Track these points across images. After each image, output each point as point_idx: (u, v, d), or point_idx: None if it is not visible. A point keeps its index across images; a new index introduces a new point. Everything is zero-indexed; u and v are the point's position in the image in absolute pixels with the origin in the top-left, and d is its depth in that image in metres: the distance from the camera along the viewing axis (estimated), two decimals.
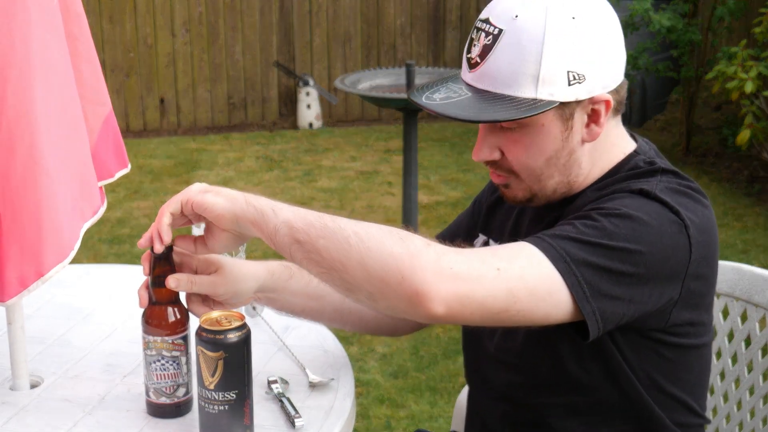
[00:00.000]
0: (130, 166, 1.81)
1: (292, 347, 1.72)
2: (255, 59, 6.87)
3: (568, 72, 1.34)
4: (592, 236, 1.29)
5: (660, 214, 1.32)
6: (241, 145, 6.46)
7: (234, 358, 1.37)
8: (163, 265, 1.44)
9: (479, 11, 7.04)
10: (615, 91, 1.40)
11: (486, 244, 1.59)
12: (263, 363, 1.67)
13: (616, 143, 1.46)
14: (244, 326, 1.39)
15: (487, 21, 1.37)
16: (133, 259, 4.55)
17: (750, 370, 1.81)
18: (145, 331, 1.47)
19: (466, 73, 1.40)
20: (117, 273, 2.10)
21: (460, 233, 1.66)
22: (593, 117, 1.39)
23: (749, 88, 4.66)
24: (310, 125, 6.86)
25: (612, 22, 1.39)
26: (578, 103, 1.37)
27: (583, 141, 1.41)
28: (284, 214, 1.31)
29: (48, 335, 1.78)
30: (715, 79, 5.04)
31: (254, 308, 1.83)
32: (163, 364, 1.46)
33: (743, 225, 4.94)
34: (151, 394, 1.49)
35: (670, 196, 1.35)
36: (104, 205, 1.69)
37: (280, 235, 1.31)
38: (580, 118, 1.39)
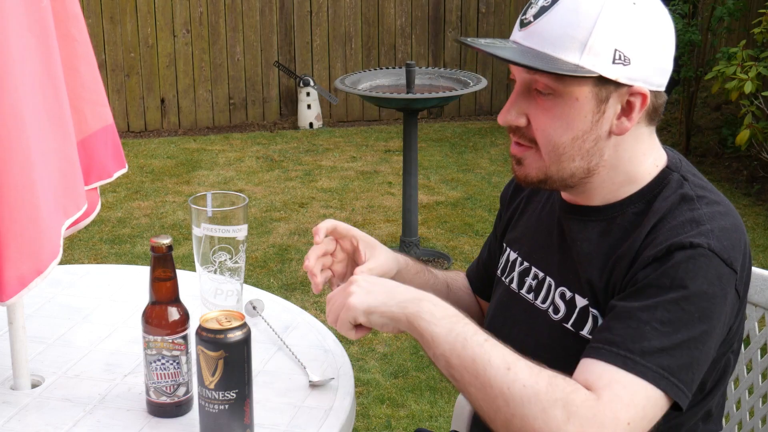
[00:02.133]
0: (127, 166, 1.82)
1: (292, 347, 1.72)
2: (255, 59, 6.88)
3: (615, 50, 1.34)
4: (672, 334, 1.30)
5: (720, 275, 1.33)
6: (242, 145, 6.46)
7: (234, 358, 1.38)
8: (163, 265, 1.45)
9: (479, 11, 7.08)
10: (654, 94, 1.39)
11: (509, 257, 1.61)
12: (263, 363, 1.67)
13: (647, 153, 1.44)
14: (244, 326, 1.40)
15: None
16: (133, 259, 4.56)
17: (749, 369, 1.81)
18: (146, 331, 1.47)
19: (515, 33, 1.41)
20: (117, 273, 2.10)
21: (482, 262, 1.75)
22: (627, 110, 1.38)
23: (749, 88, 4.66)
24: (311, 125, 6.86)
25: (668, 28, 1.40)
26: (616, 87, 1.36)
27: (611, 132, 1.39)
28: (441, 348, 1.33)
29: (48, 335, 1.79)
30: (715, 79, 5.05)
31: (254, 308, 1.83)
32: (163, 364, 1.46)
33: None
34: (151, 393, 1.50)
35: (722, 240, 1.34)
36: (98, 206, 1.69)
37: (436, 360, 1.36)
38: (614, 105, 1.37)
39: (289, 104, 7.00)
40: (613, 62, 1.34)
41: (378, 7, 6.97)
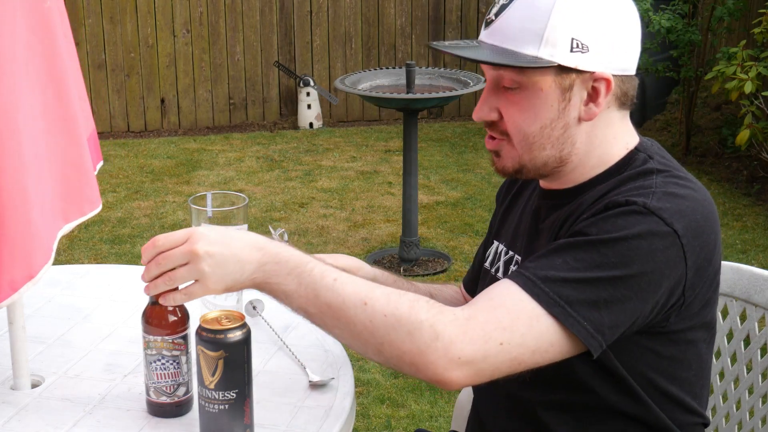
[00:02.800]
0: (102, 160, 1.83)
1: (292, 347, 1.72)
2: (255, 59, 6.88)
3: (572, 39, 1.38)
4: (582, 270, 1.31)
5: (652, 230, 1.33)
6: (242, 145, 6.46)
7: (234, 358, 1.38)
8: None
9: (479, 11, 7.08)
10: (620, 78, 1.42)
11: (497, 249, 1.63)
12: (263, 363, 1.67)
13: (619, 137, 1.47)
14: (244, 326, 1.40)
15: None
16: (133, 259, 4.56)
17: (749, 369, 1.81)
18: (145, 331, 1.47)
19: (482, 33, 1.46)
20: (117, 273, 2.10)
21: (476, 267, 1.75)
22: (592, 95, 1.41)
23: (749, 88, 4.66)
24: (311, 125, 6.86)
25: (628, 12, 1.43)
26: (579, 75, 1.40)
27: (580, 119, 1.42)
28: (296, 302, 1.33)
29: (48, 335, 1.79)
30: (715, 79, 5.05)
31: (254, 308, 1.83)
32: (163, 364, 1.46)
33: (743, 225, 4.94)
34: (151, 393, 1.49)
35: (664, 202, 1.35)
36: (99, 205, 1.69)
37: (296, 312, 1.36)
38: (579, 92, 1.41)
39: (289, 104, 7.00)
40: (571, 51, 1.38)
41: (378, 7, 6.97)
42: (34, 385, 1.61)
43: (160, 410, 1.50)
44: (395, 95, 4.28)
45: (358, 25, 6.98)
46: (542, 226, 1.52)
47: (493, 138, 1.48)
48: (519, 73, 1.40)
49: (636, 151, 1.47)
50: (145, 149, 6.36)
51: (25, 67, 1.49)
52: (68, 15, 1.68)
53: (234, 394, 1.39)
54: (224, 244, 1.32)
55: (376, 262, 4.46)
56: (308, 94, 6.82)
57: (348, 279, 1.32)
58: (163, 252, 1.33)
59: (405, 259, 4.45)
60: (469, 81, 4.44)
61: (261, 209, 5.20)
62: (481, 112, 1.47)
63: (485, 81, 1.48)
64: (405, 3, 6.99)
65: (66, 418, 1.51)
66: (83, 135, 1.63)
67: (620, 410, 1.44)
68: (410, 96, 4.23)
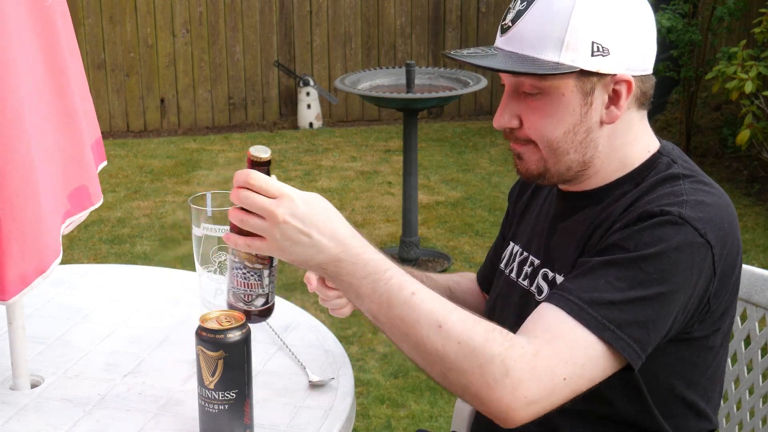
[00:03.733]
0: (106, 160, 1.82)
1: (292, 347, 1.72)
2: (255, 59, 6.88)
3: (593, 42, 1.37)
4: (626, 290, 1.30)
5: (689, 242, 1.32)
6: (242, 145, 6.46)
7: (234, 358, 1.38)
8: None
9: (479, 11, 7.08)
10: (639, 79, 1.42)
11: (512, 250, 1.63)
12: (263, 363, 1.67)
13: (639, 138, 1.47)
14: (244, 326, 1.39)
15: None
16: (133, 258, 4.56)
17: (749, 369, 1.81)
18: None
19: (498, 39, 1.44)
20: (117, 273, 2.10)
21: (491, 263, 1.75)
22: (614, 98, 1.41)
23: (749, 88, 4.66)
24: (311, 125, 6.86)
25: (645, 12, 1.42)
26: (600, 78, 1.39)
27: (602, 122, 1.42)
28: (366, 306, 1.30)
29: (48, 335, 1.78)
30: (715, 79, 5.05)
31: None
32: (244, 273, 1.36)
33: (743, 225, 4.94)
34: (230, 296, 1.39)
35: (697, 211, 1.35)
36: (100, 200, 1.69)
37: (364, 314, 1.33)
38: (600, 96, 1.40)
39: (289, 104, 7.00)
40: (592, 55, 1.37)
41: (378, 6, 6.97)
42: (33, 385, 1.61)
43: (237, 313, 1.41)
44: (395, 95, 4.28)
45: (358, 24, 6.98)
46: (561, 227, 1.51)
47: (515, 143, 1.48)
48: (540, 79, 1.39)
49: (659, 154, 1.46)
50: (145, 149, 6.36)
51: (29, 65, 1.49)
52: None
53: (234, 394, 1.38)
54: (308, 222, 1.26)
55: None
56: (308, 94, 6.82)
57: (426, 295, 1.28)
58: (249, 189, 1.27)
59: (405, 259, 4.45)
60: (469, 81, 4.44)
61: None
62: (502, 120, 1.46)
63: (502, 85, 1.47)
64: (405, 3, 6.99)
65: (65, 418, 1.51)
66: (84, 131, 1.63)
67: (633, 422, 1.44)
68: (410, 96, 4.23)
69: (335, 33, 6.96)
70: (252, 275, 1.36)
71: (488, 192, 5.48)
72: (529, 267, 1.56)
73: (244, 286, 1.37)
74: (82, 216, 1.64)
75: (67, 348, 1.74)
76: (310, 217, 1.27)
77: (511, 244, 1.66)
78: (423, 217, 5.04)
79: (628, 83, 1.40)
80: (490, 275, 1.76)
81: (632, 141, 1.46)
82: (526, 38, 1.38)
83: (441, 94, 4.25)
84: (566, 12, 1.36)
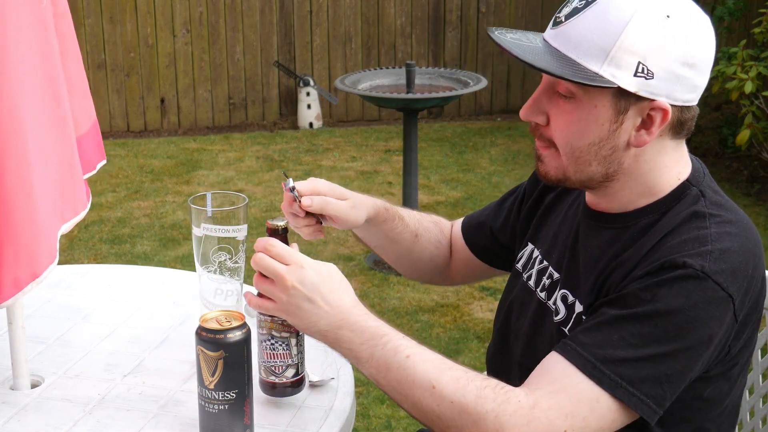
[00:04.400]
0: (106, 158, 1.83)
1: None
2: (255, 59, 6.88)
3: (639, 63, 1.31)
4: (641, 347, 1.29)
5: (709, 298, 1.29)
6: (242, 145, 6.46)
7: (234, 358, 1.38)
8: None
9: (479, 11, 7.08)
10: (679, 109, 1.36)
11: (531, 254, 1.61)
12: (258, 368, 1.67)
13: (670, 166, 1.41)
14: (244, 326, 1.39)
15: None
16: (133, 258, 4.56)
17: (750, 369, 1.81)
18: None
19: (548, 30, 1.40)
20: (117, 273, 2.10)
21: (491, 224, 1.76)
22: (647, 123, 1.35)
23: (749, 88, 4.66)
24: (311, 125, 6.86)
25: (705, 42, 1.35)
26: (637, 100, 1.33)
27: (629, 144, 1.37)
28: (366, 371, 1.37)
29: (48, 335, 1.78)
30: (715, 79, 5.05)
31: None
32: (272, 344, 1.45)
33: None
34: (261, 371, 1.49)
35: (720, 263, 1.31)
36: (89, 204, 1.69)
37: (363, 372, 1.39)
38: (633, 117, 1.35)
39: (289, 104, 7.00)
40: (635, 75, 1.31)
41: (378, 6, 6.97)
42: (33, 385, 1.61)
43: (269, 389, 1.50)
44: (395, 95, 4.28)
45: (358, 24, 6.98)
46: (580, 247, 1.47)
47: (539, 142, 1.44)
48: (576, 85, 1.34)
49: (688, 184, 1.41)
50: (145, 149, 6.36)
51: (26, 67, 1.49)
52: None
53: (234, 394, 1.38)
54: (313, 290, 1.36)
55: (375, 262, 4.46)
56: (308, 94, 6.82)
57: (420, 357, 1.33)
58: (266, 254, 1.37)
59: None
60: (469, 81, 4.44)
61: (261, 209, 5.20)
62: (530, 112, 1.41)
63: (540, 78, 1.42)
64: (405, 3, 6.98)
65: (65, 418, 1.51)
66: (73, 135, 1.63)
67: None
68: (410, 96, 4.23)
69: (335, 33, 6.96)
70: (279, 345, 1.45)
71: (488, 192, 5.48)
72: (548, 279, 1.54)
73: (273, 357, 1.46)
74: (76, 219, 1.64)
75: (67, 348, 1.74)
76: (316, 285, 1.36)
77: (530, 245, 1.63)
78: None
79: (665, 112, 1.33)
80: (483, 240, 1.77)
81: (662, 168, 1.40)
82: (574, 40, 1.33)
83: (441, 94, 4.25)
84: (620, 25, 1.30)
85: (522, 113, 1.43)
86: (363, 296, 4.12)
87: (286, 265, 1.36)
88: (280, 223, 1.46)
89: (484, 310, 4.01)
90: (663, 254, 1.33)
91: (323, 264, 1.40)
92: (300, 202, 1.54)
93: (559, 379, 1.30)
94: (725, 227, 1.36)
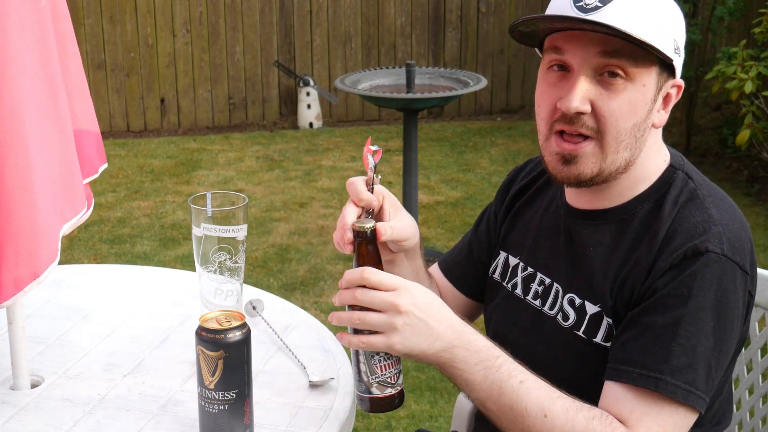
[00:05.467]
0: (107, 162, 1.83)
1: (292, 347, 1.72)
2: (255, 59, 6.88)
3: (674, 39, 1.37)
4: (696, 348, 1.31)
5: (734, 279, 1.34)
6: (242, 145, 6.46)
7: (234, 358, 1.38)
8: (372, 254, 1.35)
9: (479, 11, 7.08)
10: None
11: (507, 261, 1.59)
12: (263, 363, 1.67)
13: (658, 151, 1.45)
14: (244, 326, 1.39)
15: None
16: (133, 259, 4.56)
17: (749, 370, 1.81)
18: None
19: (578, 15, 1.33)
20: (117, 273, 2.10)
21: (478, 255, 1.69)
22: (665, 101, 1.40)
23: (749, 88, 4.66)
24: (311, 125, 6.86)
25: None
26: (668, 77, 1.38)
27: (653, 125, 1.40)
28: (476, 393, 1.33)
29: (48, 335, 1.78)
30: (715, 79, 5.05)
31: (254, 308, 1.83)
32: (382, 356, 1.35)
33: None
34: (374, 389, 1.36)
35: (734, 241, 1.35)
36: (91, 207, 1.69)
37: (472, 400, 1.36)
38: (661, 96, 1.39)
39: (289, 104, 7.00)
40: (675, 51, 1.36)
41: (378, 6, 6.97)
42: (33, 385, 1.61)
43: (387, 404, 1.38)
44: (395, 95, 4.28)
45: (358, 24, 6.98)
46: (579, 248, 1.47)
47: (572, 139, 1.38)
48: (633, 63, 1.33)
49: (672, 168, 1.44)
50: (145, 149, 6.36)
51: (26, 68, 1.49)
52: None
53: (234, 394, 1.38)
54: (427, 311, 1.29)
55: None
56: (308, 93, 6.82)
57: (533, 384, 1.32)
58: (366, 287, 1.28)
59: None
60: (469, 81, 4.44)
61: (261, 209, 5.20)
62: (576, 101, 1.34)
63: (552, 68, 1.38)
64: (405, 3, 6.98)
65: (65, 418, 1.51)
66: (71, 135, 1.63)
67: None
68: (410, 96, 4.23)
69: (335, 33, 6.96)
70: (388, 354, 1.34)
71: (488, 192, 5.48)
72: (539, 286, 1.53)
73: (389, 368, 1.36)
74: (79, 219, 1.64)
75: (67, 348, 1.74)
76: (428, 306, 1.30)
77: (502, 253, 1.62)
78: (423, 217, 5.04)
79: (679, 88, 1.39)
80: (463, 275, 1.71)
81: (656, 150, 1.44)
82: (622, 16, 1.31)
83: (441, 94, 4.25)
84: (657, 5, 1.35)
85: (565, 105, 1.35)
86: None
87: (393, 290, 1.28)
88: (368, 225, 1.34)
89: None
90: (680, 242, 1.34)
91: (418, 285, 1.32)
92: (372, 188, 1.42)
93: (640, 406, 1.31)
94: (721, 205, 1.40)
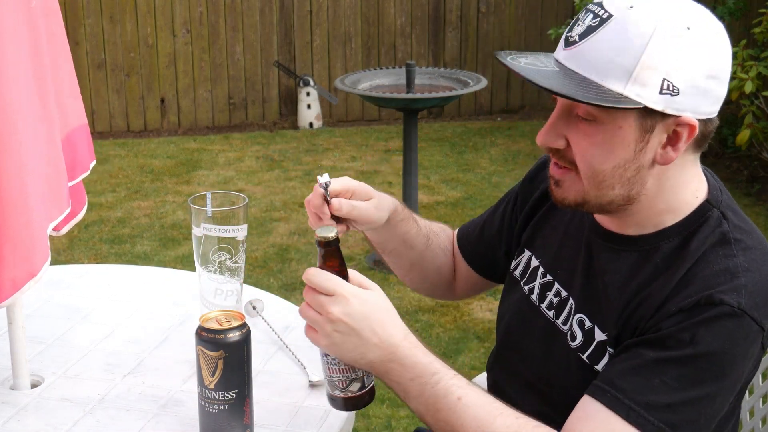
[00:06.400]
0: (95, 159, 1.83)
1: (292, 347, 1.72)
2: (255, 59, 6.88)
3: (664, 80, 1.26)
4: (683, 390, 1.26)
5: (747, 335, 1.28)
6: (242, 145, 6.46)
7: (234, 358, 1.38)
8: (331, 258, 1.36)
9: (479, 11, 7.08)
10: (703, 123, 1.31)
11: (529, 262, 1.57)
12: (263, 363, 1.67)
13: (689, 181, 1.37)
14: (244, 326, 1.39)
15: (600, 4, 1.30)
16: (133, 259, 4.55)
17: None
18: None
19: (559, 51, 1.33)
20: (117, 273, 2.10)
21: (486, 233, 1.70)
22: (672, 139, 1.31)
23: (749, 88, 4.65)
24: (311, 125, 6.86)
25: (724, 52, 1.31)
26: (663, 117, 1.28)
27: (654, 162, 1.32)
28: (413, 407, 1.32)
29: (48, 335, 1.78)
30: None
31: (254, 308, 1.83)
32: (334, 359, 1.37)
33: None
34: (327, 386, 1.41)
35: (755, 296, 1.28)
36: (86, 205, 1.69)
37: (410, 406, 1.35)
38: (659, 134, 1.30)
39: (289, 104, 7.00)
40: (660, 92, 1.27)
41: (378, 6, 6.97)
42: (33, 385, 1.61)
43: (334, 403, 1.41)
44: (395, 95, 4.28)
45: (358, 24, 6.98)
46: (598, 271, 1.42)
47: (558, 166, 1.38)
48: (600, 108, 1.28)
49: (708, 205, 1.37)
50: (145, 149, 6.36)
51: (19, 69, 1.49)
52: (68, 15, 1.69)
53: (234, 394, 1.38)
54: (361, 322, 1.29)
55: (375, 262, 4.46)
56: (308, 93, 6.82)
57: (471, 400, 1.30)
58: (307, 284, 1.31)
59: None
60: (469, 81, 4.44)
61: (261, 209, 5.20)
62: (547, 138, 1.35)
63: (553, 100, 1.37)
64: (405, 3, 6.98)
65: (65, 418, 1.51)
66: (58, 135, 1.63)
67: None
68: (410, 96, 4.23)
69: (335, 33, 6.96)
70: (339, 361, 1.36)
71: (488, 192, 5.48)
72: (555, 297, 1.49)
73: (338, 372, 1.37)
74: (77, 218, 1.65)
75: (67, 348, 1.74)
76: (362, 316, 1.30)
77: (527, 252, 1.58)
78: (423, 217, 5.03)
79: (692, 127, 1.29)
80: (482, 253, 1.72)
81: (682, 185, 1.36)
82: (592, 60, 1.27)
83: (441, 94, 4.25)
84: (642, 42, 1.25)
85: (539, 139, 1.36)
86: None
87: (330, 296, 1.30)
88: (331, 234, 1.35)
89: (484, 310, 4.01)
90: (696, 289, 1.29)
91: (370, 291, 1.33)
92: (330, 203, 1.47)
93: (601, 428, 1.27)
94: (751, 254, 1.33)
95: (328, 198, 1.46)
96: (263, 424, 1.48)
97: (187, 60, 6.78)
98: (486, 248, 1.71)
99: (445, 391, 1.29)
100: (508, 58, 1.34)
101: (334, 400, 1.41)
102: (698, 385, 1.27)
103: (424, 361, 1.31)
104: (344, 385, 1.38)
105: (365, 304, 1.31)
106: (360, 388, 1.38)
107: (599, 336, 1.39)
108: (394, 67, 4.78)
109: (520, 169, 5.91)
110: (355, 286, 1.32)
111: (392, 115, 7.00)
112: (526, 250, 1.59)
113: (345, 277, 1.34)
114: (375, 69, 4.77)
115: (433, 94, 4.23)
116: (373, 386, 1.40)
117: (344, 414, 1.52)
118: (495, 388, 1.59)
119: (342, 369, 1.37)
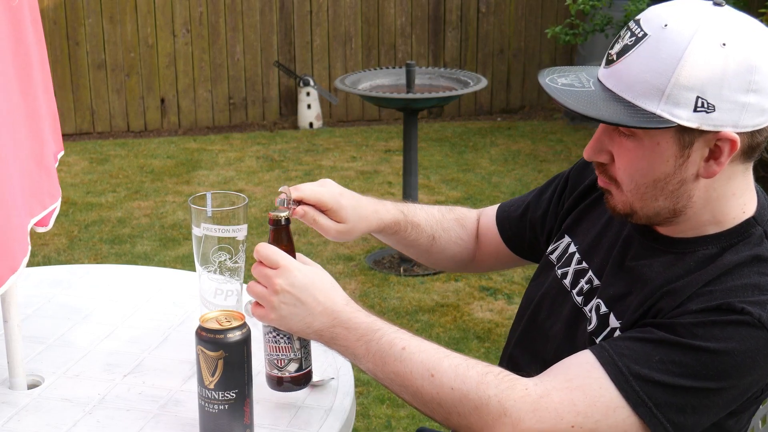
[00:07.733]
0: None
1: None
2: (255, 59, 6.88)
3: (698, 98, 1.26)
4: (678, 376, 1.27)
5: (759, 347, 1.27)
6: (242, 145, 6.46)
7: (234, 358, 1.38)
8: (279, 238, 1.46)
9: (479, 11, 7.08)
10: (749, 135, 1.30)
11: (568, 248, 1.58)
12: (263, 363, 1.67)
13: (738, 194, 1.37)
14: (244, 326, 1.39)
15: (637, 22, 1.31)
16: (133, 259, 4.55)
17: None
18: None
19: (601, 69, 1.36)
20: (117, 273, 2.10)
21: (531, 215, 1.73)
22: (714, 153, 1.30)
23: None
24: (311, 125, 6.86)
25: (766, 63, 1.28)
26: (701, 133, 1.28)
27: (698, 176, 1.32)
28: (363, 366, 1.38)
29: (48, 335, 1.78)
30: None
31: None
32: (274, 337, 1.46)
33: None
34: (266, 365, 1.50)
35: None
36: (59, 199, 1.70)
37: (364, 371, 1.40)
38: (699, 149, 1.30)
39: (289, 104, 7.00)
40: (695, 110, 1.26)
41: (378, 6, 6.97)
42: (33, 386, 1.61)
43: (272, 383, 1.50)
44: (395, 95, 4.28)
45: (358, 24, 6.98)
46: (631, 265, 1.43)
47: (603, 180, 1.41)
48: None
49: (753, 222, 1.37)
50: (145, 149, 6.36)
51: (2, 63, 1.49)
52: (68, 15, 1.69)
53: (234, 394, 1.38)
54: (304, 291, 1.38)
55: (375, 262, 4.46)
56: (308, 94, 6.82)
57: (416, 348, 1.35)
58: (256, 257, 1.40)
59: (405, 259, 4.45)
60: (469, 81, 4.44)
61: (261, 209, 5.20)
62: (592, 152, 1.38)
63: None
64: (405, 3, 6.99)
65: (65, 418, 1.51)
66: (45, 128, 1.63)
67: None
68: (410, 96, 4.23)
69: (335, 33, 6.96)
70: (282, 338, 1.46)
71: (488, 192, 5.48)
72: (587, 284, 1.50)
73: (276, 351, 1.47)
74: (49, 212, 1.65)
75: (67, 348, 1.74)
76: (306, 286, 1.38)
77: (567, 237, 1.60)
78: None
79: (733, 141, 1.28)
80: (511, 233, 1.76)
81: (730, 196, 1.36)
82: (627, 80, 1.29)
83: (441, 94, 4.25)
84: (673, 61, 1.26)
85: (586, 154, 1.39)
86: (363, 296, 4.12)
87: (275, 268, 1.38)
88: (282, 215, 1.47)
89: (484, 310, 4.01)
90: (721, 295, 1.30)
91: (310, 266, 1.42)
92: (294, 210, 1.58)
93: (578, 377, 1.29)
94: None
95: (293, 208, 1.58)
96: (263, 424, 1.48)
97: (187, 60, 6.78)
98: (527, 230, 1.75)
99: (389, 344, 1.35)
100: (546, 79, 1.36)
101: (271, 380, 1.49)
102: (695, 376, 1.27)
103: (366, 320, 1.38)
104: (282, 364, 1.47)
105: (308, 276, 1.39)
106: (297, 369, 1.47)
107: (613, 323, 1.41)
108: (394, 67, 4.79)
109: (520, 169, 5.92)
110: (298, 261, 1.41)
111: (392, 115, 7.01)
112: (566, 235, 1.61)
113: (292, 255, 1.43)
114: (375, 69, 4.77)
115: (433, 94, 4.23)
116: (310, 370, 1.49)
117: (344, 414, 1.52)
118: (511, 362, 1.61)
119: (281, 347, 1.46)
